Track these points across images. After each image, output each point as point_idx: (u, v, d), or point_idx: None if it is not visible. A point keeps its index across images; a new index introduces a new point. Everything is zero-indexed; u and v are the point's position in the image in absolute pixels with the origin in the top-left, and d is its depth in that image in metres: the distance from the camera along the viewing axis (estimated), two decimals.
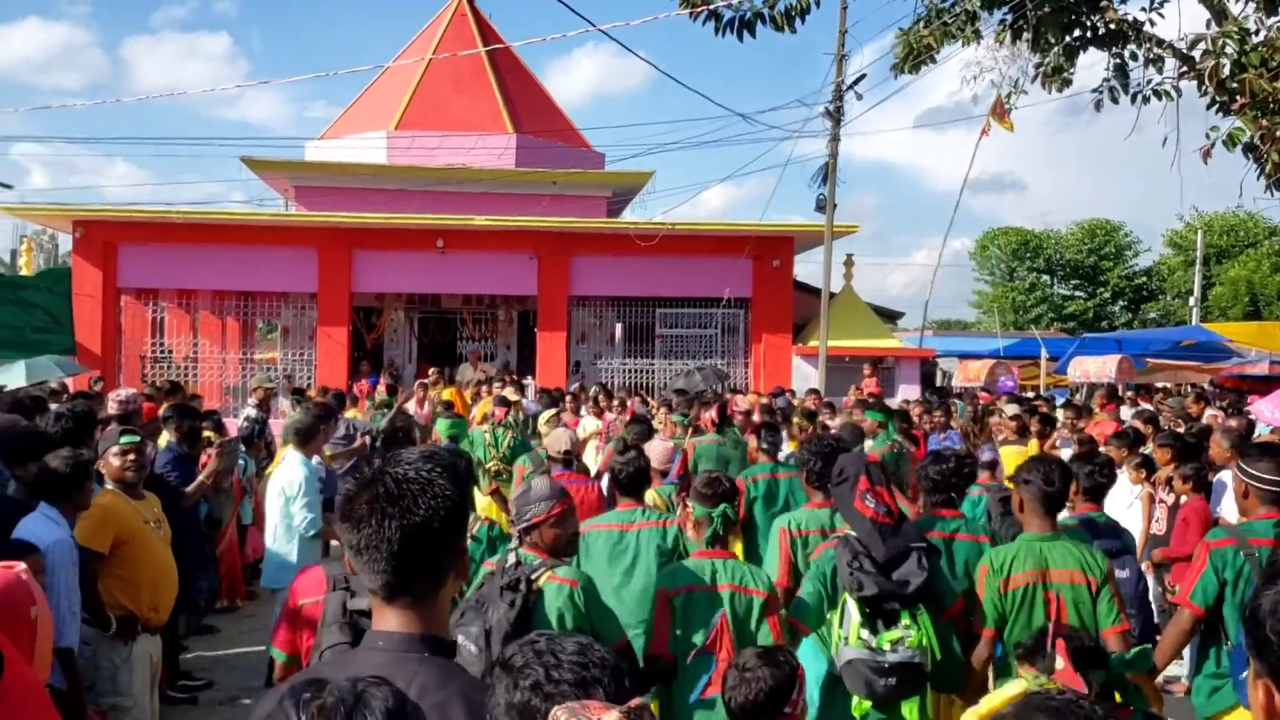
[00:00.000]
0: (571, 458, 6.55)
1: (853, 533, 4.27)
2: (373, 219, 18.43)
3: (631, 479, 5.32)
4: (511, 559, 3.89)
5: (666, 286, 19.11)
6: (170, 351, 18.93)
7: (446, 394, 13.86)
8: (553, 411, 10.10)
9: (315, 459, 7.15)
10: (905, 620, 4.03)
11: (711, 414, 8.79)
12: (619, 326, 20.13)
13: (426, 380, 13.95)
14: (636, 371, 19.27)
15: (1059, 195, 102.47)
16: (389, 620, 1.93)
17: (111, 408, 8.50)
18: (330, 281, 18.48)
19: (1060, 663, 3.30)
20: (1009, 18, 13.32)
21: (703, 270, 18.93)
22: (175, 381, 13.43)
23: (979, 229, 54.30)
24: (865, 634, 3.99)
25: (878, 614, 4.03)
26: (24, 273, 19.64)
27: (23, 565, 2.98)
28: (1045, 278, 52.27)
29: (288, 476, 6.75)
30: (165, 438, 8.29)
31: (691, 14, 10.16)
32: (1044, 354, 22.49)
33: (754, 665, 3.00)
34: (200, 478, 7.44)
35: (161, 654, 5.64)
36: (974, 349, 27.48)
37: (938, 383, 25.03)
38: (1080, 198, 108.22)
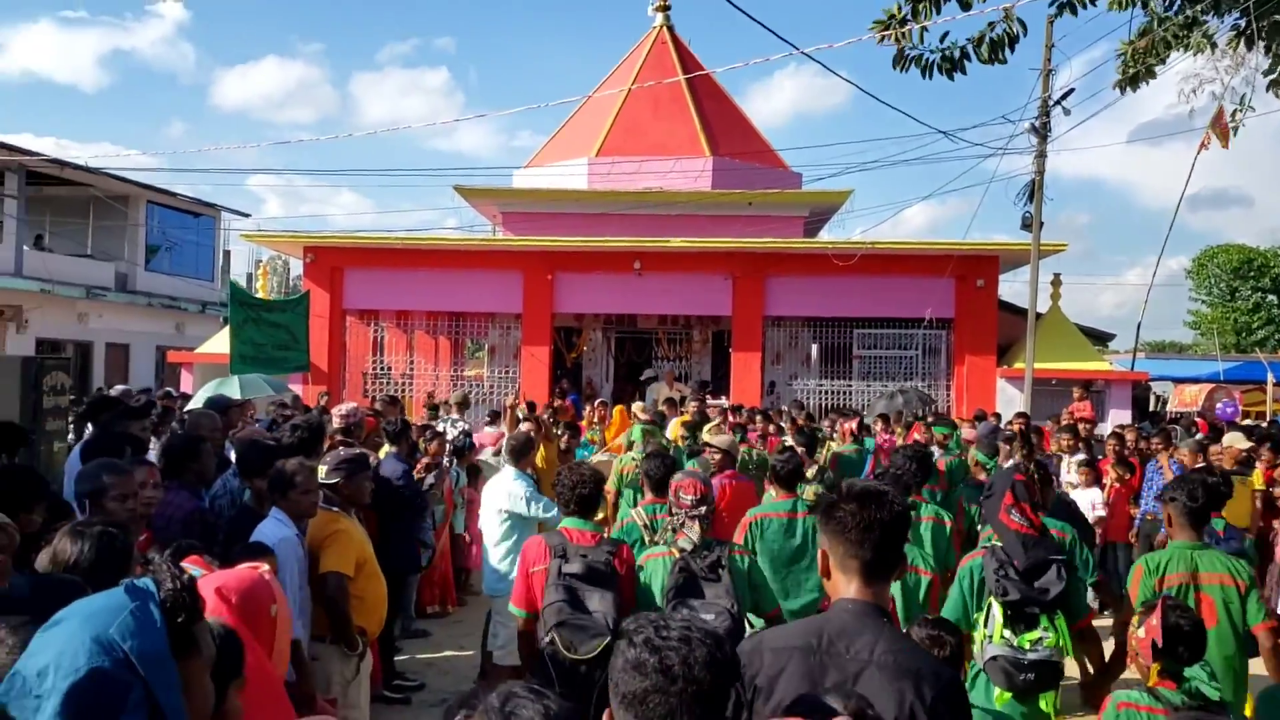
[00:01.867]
0: (733, 459, 7.93)
1: (999, 544, 4.68)
2: (574, 242, 19.03)
3: (790, 474, 6.40)
4: (698, 541, 4.71)
5: (865, 307, 18.92)
6: (389, 368, 20.07)
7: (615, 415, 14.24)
8: (715, 422, 10.36)
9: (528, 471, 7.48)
10: (1044, 624, 4.42)
11: (851, 425, 11.21)
12: (815, 347, 20.05)
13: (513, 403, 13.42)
14: (833, 393, 19.13)
15: None
16: None
17: (335, 422, 9.12)
18: (534, 303, 19.17)
19: None
20: (1240, 23, 12.69)
21: (903, 290, 18.66)
22: (393, 396, 14.22)
23: (1198, 247, 51.19)
24: (1008, 634, 4.41)
25: (1019, 617, 4.44)
26: (260, 295, 21.20)
27: (265, 566, 3.27)
28: (1272, 298, 48.84)
29: (505, 490, 7.07)
30: (384, 449, 8.85)
31: (899, 68, 10.02)
32: (1270, 379, 21.09)
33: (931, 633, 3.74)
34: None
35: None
36: (1191, 373, 26.01)
37: (1151, 408, 23.79)
38: None
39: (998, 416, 14.70)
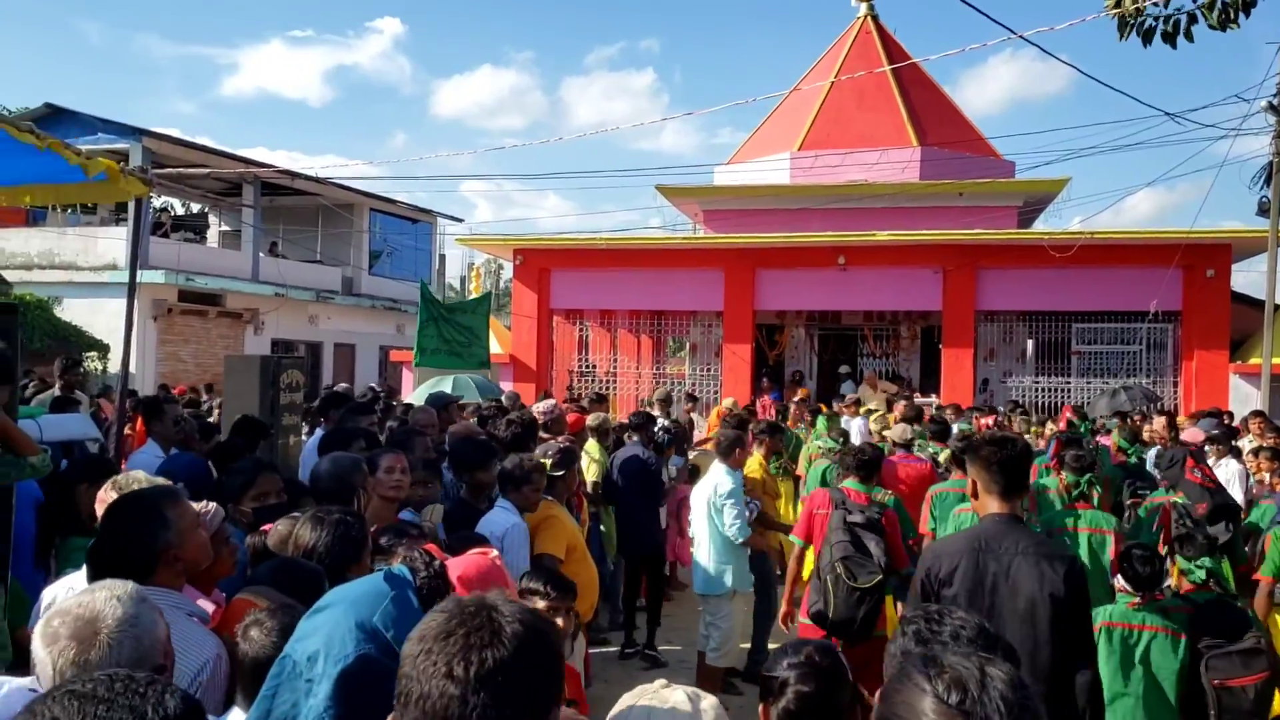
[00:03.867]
0: (911, 444, 9.14)
1: (1180, 499, 6.05)
2: (775, 239, 18.90)
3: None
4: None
5: (1083, 300, 18.00)
6: (593, 366, 20.51)
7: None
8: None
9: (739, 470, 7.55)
10: (1210, 561, 5.17)
11: (988, 420, 12.15)
12: (1030, 343, 19.23)
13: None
14: (1051, 390, 18.31)
15: None
16: None
17: (538, 419, 9.40)
18: (735, 300, 19.17)
19: None
20: None
21: (1125, 282, 17.66)
22: (601, 393, 14.51)
23: None
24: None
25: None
26: (473, 295, 22.09)
27: (494, 552, 3.40)
28: None
29: (713, 486, 7.15)
30: (593, 444, 9.07)
31: (1123, 35, 9.53)
32: None
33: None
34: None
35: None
36: None
37: None
38: None
39: (1230, 415, 13.72)
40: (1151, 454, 10.07)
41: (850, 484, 6.56)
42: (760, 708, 2.59)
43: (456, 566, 2.57)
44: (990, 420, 12.38)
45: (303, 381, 9.38)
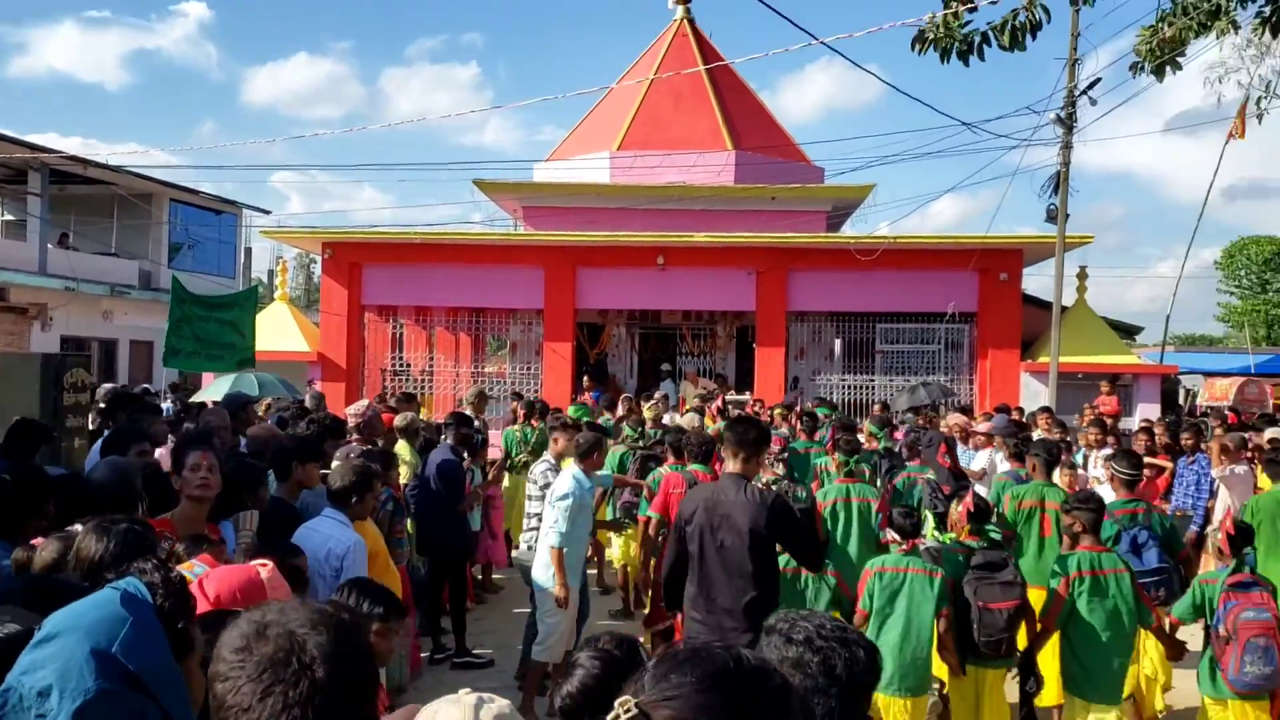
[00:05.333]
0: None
1: (932, 476, 8.23)
2: (596, 237, 18.93)
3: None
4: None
5: (887, 301, 18.75)
6: (408, 365, 20.04)
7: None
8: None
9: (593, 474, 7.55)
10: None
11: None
12: (838, 342, 19.90)
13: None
14: (856, 388, 18.98)
15: None
16: None
17: (350, 421, 9.11)
18: (555, 298, 19.09)
19: None
20: (1266, 10, 12.42)
21: (925, 284, 18.49)
22: (409, 393, 14.18)
23: (1234, 238, 50.48)
24: (938, 534, 6.47)
25: (943, 525, 6.69)
26: (279, 292, 21.26)
27: (269, 565, 3.19)
28: None
29: (557, 485, 7.15)
30: (400, 445, 8.85)
31: (918, 50, 9.89)
32: None
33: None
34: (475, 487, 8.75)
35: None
36: (1221, 366, 25.67)
37: (1180, 401, 23.47)
38: None
39: (1021, 411, 14.51)
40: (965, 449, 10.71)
41: (696, 466, 8.13)
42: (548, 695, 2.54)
43: (214, 583, 2.39)
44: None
45: (89, 381, 8.81)
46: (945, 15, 7.81)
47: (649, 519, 7.95)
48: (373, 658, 1.74)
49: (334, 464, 6.73)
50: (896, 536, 5.88)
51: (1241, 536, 5.81)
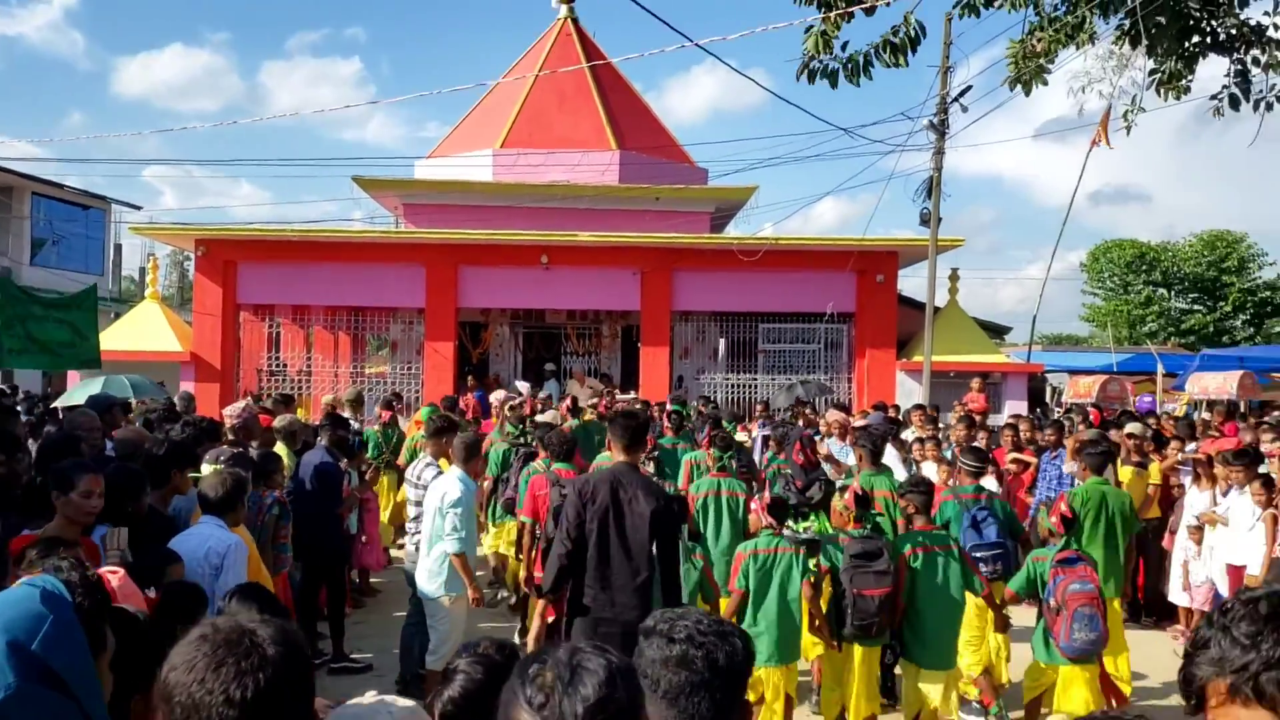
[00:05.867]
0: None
1: (788, 471, 8.54)
2: (478, 236, 18.77)
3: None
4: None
5: (769, 301, 19.05)
6: (285, 365, 19.56)
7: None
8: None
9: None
10: (813, 517, 7.64)
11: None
12: (722, 341, 20.12)
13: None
14: (739, 387, 19.23)
15: (1185, 207, 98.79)
16: None
17: (227, 422, 8.85)
18: (437, 297, 18.88)
19: None
20: (1125, 23, 12.99)
21: (806, 285, 18.84)
22: (287, 394, 13.85)
23: (1099, 242, 52.79)
24: (792, 524, 6.85)
25: (800, 515, 7.60)
26: (150, 290, 20.54)
27: (120, 572, 3.12)
28: (1162, 291, 50.59)
29: (441, 493, 6.96)
30: (279, 446, 8.63)
31: (806, 78, 10.02)
32: (1160, 370, 21.76)
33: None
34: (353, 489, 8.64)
35: None
36: (1085, 364, 26.75)
37: (1047, 398, 24.40)
38: (1206, 210, 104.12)
39: (897, 408, 14.90)
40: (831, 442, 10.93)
41: (561, 465, 8.32)
42: (429, 699, 2.55)
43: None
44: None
45: None
46: (817, 33, 7.95)
47: (523, 524, 8.06)
48: (311, 665, 1.86)
49: (203, 468, 6.54)
50: (773, 521, 6.22)
51: (1071, 522, 6.46)
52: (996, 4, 13.32)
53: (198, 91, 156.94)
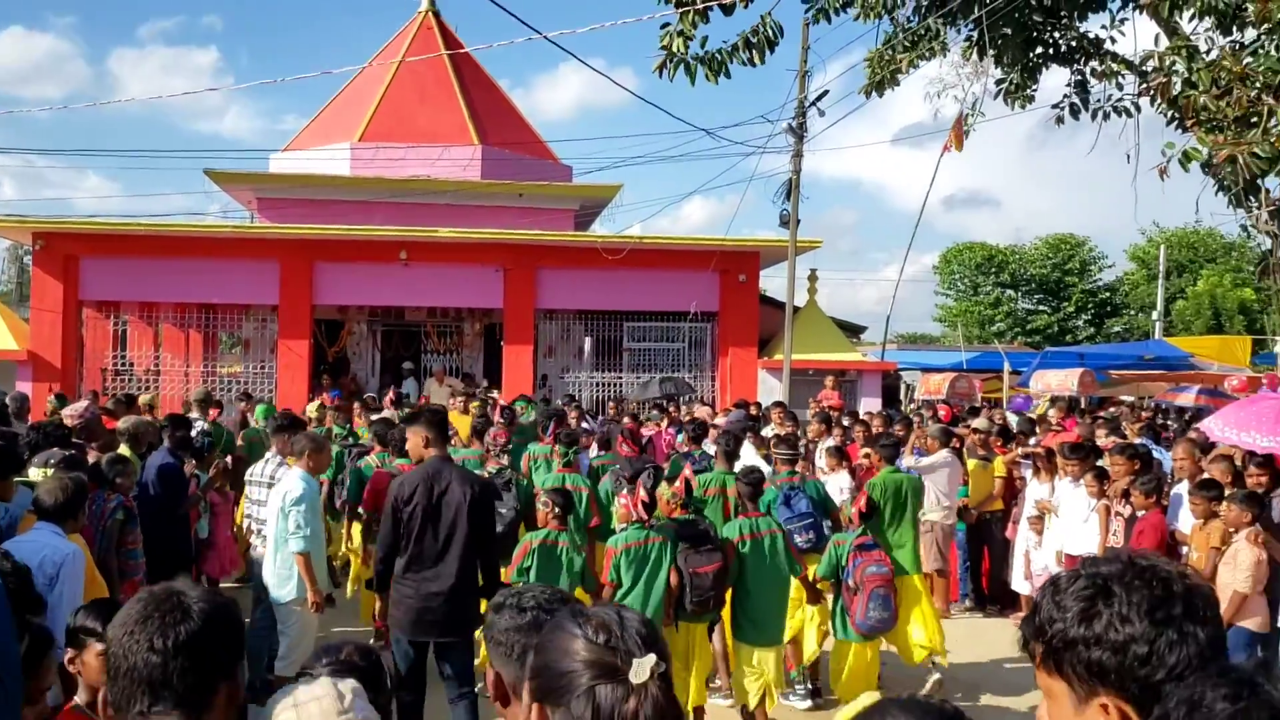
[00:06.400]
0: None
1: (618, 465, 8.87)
2: (335, 231, 18.29)
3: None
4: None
5: (634, 300, 19.10)
6: (132, 364, 18.72)
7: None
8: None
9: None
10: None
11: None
12: (588, 340, 20.10)
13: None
14: (604, 385, 19.24)
15: (1032, 211, 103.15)
16: None
17: (68, 423, 8.42)
18: (291, 294, 18.33)
19: None
20: (974, 34, 13.45)
21: (670, 284, 18.95)
22: (131, 394, 13.27)
23: (952, 244, 54.84)
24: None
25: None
26: None
27: None
28: (1010, 292, 52.73)
29: (283, 492, 6.78)
30: (123, 449, 8.24)
31: (667, 74, 10.09)
32: (1007, 367, 22.63)
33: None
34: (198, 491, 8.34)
35: None
36: (938, 362, 27.63)
37: (901, 395, 25.14)
38: (1052, 214, 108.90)
39: (758, 405, 15.11)
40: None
41: (401, 460, 8.49)
42: None
43: None
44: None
45: None
46: (674, 30, 7.99)
47: (363, 517, 8.25)
48: (242, 629, 2.11)
49: (32, 471, 6.20)
50: (644, 514, 6.39)
51: (871, 510, 7.15)
52: (855, 16, 13.61)
53: (40, 78, 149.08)
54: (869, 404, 18.58)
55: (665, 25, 8.80)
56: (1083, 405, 18.94)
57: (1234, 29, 10.86)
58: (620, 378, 19.33)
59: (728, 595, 6.67)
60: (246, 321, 19.16)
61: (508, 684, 2.13)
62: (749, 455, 10.13)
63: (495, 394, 17.35)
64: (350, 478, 9.12)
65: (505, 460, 8.88)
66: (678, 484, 6.78)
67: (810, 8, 11.70)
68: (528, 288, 18.80)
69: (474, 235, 18.56)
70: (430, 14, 23.48)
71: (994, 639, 9.04)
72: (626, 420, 12.21)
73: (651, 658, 1.65)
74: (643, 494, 6.43)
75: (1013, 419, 13.73)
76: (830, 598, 7.32)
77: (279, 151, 23.06)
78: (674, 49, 8.38)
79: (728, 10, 10.14)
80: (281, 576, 6.80)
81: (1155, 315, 37.51)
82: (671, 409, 14.29)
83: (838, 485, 10.39)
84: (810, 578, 7.10)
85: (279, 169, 21.93)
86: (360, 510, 8.84)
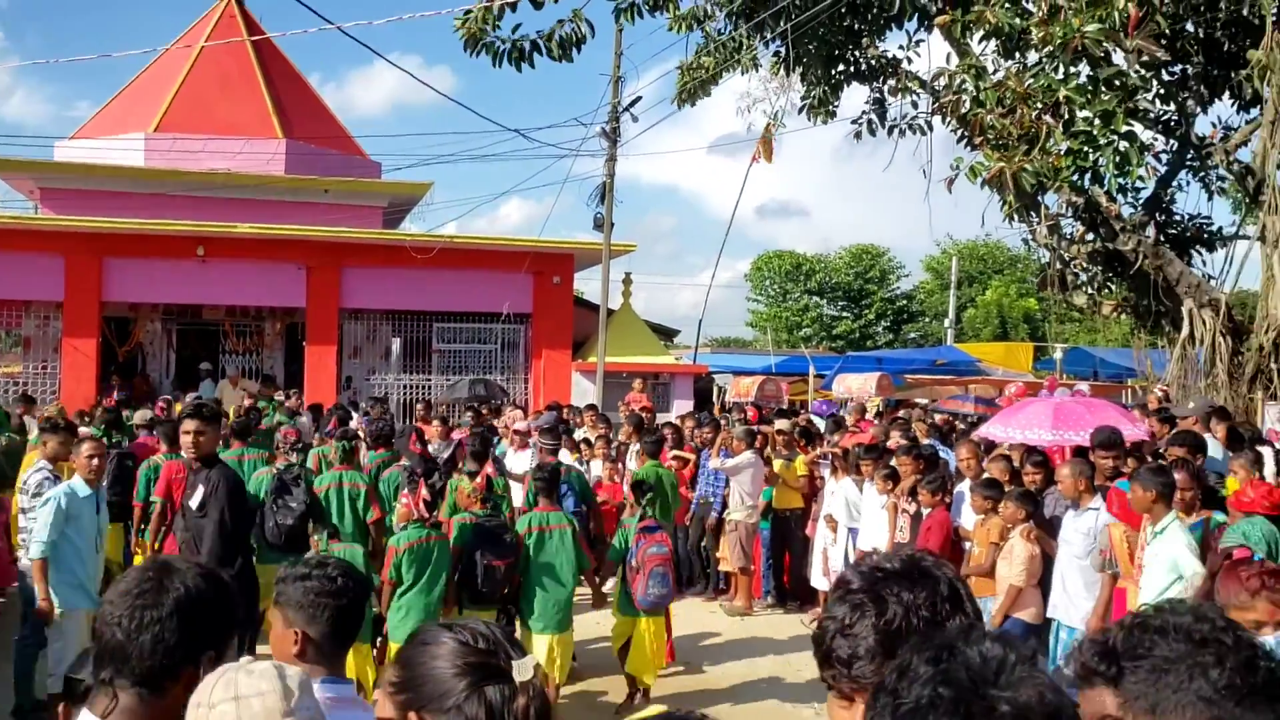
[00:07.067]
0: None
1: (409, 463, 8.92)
2: (126, 224, 17.31)
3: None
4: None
5: (445, 301, 18.82)
6: None
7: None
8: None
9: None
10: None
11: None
12: (396, 341, 19.67)
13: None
14: (413, 388, 18.88)
15: (839, 222, 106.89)
16: None
17: None
18: (78, 290, 17.26)
19: None
20: (781, 50, 13.90)
21: (483, 285, 18.76)
22: None
23: (764, 252, 56.66)
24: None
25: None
26: None
27: None
28: (817, 299, 54.59)
29: (40, 494, 6.62)
30: None
31: (471, 52, 10.00)
32: (812, 371, 23.40)
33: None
34: None
35: None
36: (748, 365, 28.32)
37: (714, 398, 25.66)
38: (857, 225, 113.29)
39: (572, 408, 15.11)
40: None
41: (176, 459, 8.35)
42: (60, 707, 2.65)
43: None
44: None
45: None
46: (480, 8, 7.91)
47: (154, 504, 8.25)
48: (227, 616, 2.20)
49: None
50: (425, 514, 6.53)
51: (641, 492, 7.60)
52: (668, 26, 13.74)
53: None
54: (681, 406, 18.86)
55: (468, 11, 8.70)
56: (880, 407, 19.77)
57: (1018, 51, 11.57)
58: (429, 380, 19.00)
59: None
60: (27, 319, 17.91)
61: (315, 642, 2.62)
62: (562, 457, 10.20)
63: (280, 396, 16.72)
64: (140, 480, 8.71)
65: (294, 457, 8.84)
66: (479, 479, 6.99)
67: (616, 6, 11.79)
68: (332, 287, 18.28)
69: (276, 231, 17.90)
70: (233, 2, 22.50)
71: (795, 634, 9.29)
72: (419, 420, 12.34)
73: (532, 658, 1.73)
74: (424, 493, 6.49)
75: (817, 420, 14.17)
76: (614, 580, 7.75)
77: (65, 140, 21.66)
78: (474, 31, 8.33)
79: (537, 4, 10.13)
80: (59, 585, 6.43)
81: (948, 323, 39.52)
82: (485, 411, 14.14)
83: None
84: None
85: (65, 158, 20.60)
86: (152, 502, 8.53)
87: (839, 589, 1.73)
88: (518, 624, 7.05)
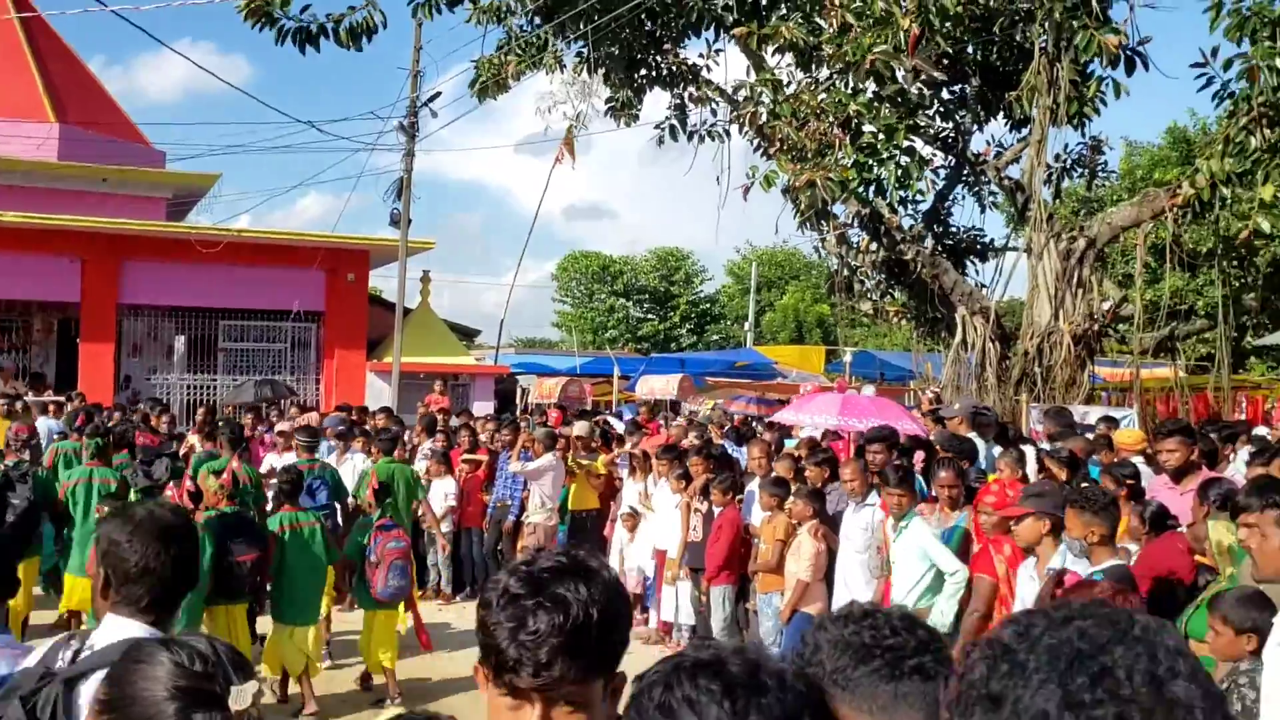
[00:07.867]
0: None
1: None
2: None
3: None
4: None
5: (232, 298, 18.02)
6: None
7: None
8: None
9: None
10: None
11: None
12: (180, 339, 18.70)
13: None
14: (198, 387, 17.99)
15: (645, 224, 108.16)
16: None
17: None
18: None
19: None
20: (584, 51, 13.93)
21: (272, 281, 18.06)
22: None
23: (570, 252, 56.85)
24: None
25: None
26: None
27: None
28: (623, 300, 55.14)
29: None
30: None
31: (252, 22, 9.63)
32: (616, 372, 23.58)
33: None
34: None
35: None
36: (554, 366, 28.32)
37: (517, 399, 25.52)
38: (663, 228, 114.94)
39: (364, 410, 14.70)
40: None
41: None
42: None
43: None
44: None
45: None
46: None
47: None
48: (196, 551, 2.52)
49: None
50: (190, 504, 6.71)
51: (384, 492, 7.94)
52: (468, 19, 13.54)
53: None
54: (482, 407, 18.63)
55: None
56: (682, 408, 20.11)
57: (812, 66, 11.98)
58: (215, 380, 18.17)
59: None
60: None
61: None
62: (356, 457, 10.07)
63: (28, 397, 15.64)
64: None
65: (26, 455, 8.90)
66: (225, 476, 7.11)
67: (412, 1, 11.57)
68: (109, 281, 17.25)
69: (47, 221, 16.79)
70: None
71: None
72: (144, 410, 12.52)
73: (253, 684, 1.62)
74: (189, 485, 6.72)
75: (616, 423, 14.27)
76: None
77: None
78: (257, 3, 8.05)
79: None
80: None
81: (747, 326, 40.68)
82: (273, 415, 13.61)
83: (442, 491, 10.38)
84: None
85: None
86: None
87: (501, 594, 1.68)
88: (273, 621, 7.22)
